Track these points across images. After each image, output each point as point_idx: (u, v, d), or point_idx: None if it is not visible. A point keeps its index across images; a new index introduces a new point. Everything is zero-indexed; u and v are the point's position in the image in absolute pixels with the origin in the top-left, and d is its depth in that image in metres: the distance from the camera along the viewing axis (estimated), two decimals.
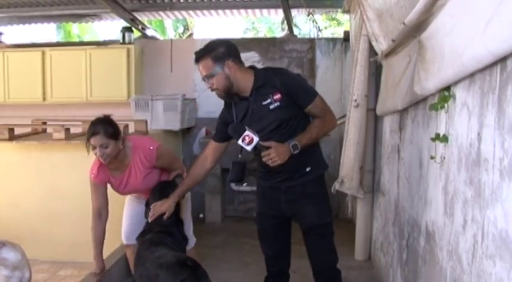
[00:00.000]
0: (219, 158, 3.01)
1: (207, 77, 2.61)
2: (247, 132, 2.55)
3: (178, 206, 3.21)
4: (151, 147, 3.29)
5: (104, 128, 3.06)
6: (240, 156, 2.91)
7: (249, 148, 2.55)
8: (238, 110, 2.75)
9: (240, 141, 2.56)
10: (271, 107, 2.61)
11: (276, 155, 2.49)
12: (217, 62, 2.62)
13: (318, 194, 2.86)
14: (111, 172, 3.31)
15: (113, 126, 3.14)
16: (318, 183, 2.88)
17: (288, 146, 2.51)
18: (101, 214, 3.35)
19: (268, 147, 2.51)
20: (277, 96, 2.63)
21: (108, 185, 3.41)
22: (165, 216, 2.98)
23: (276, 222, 2.91)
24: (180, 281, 2.40)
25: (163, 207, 2.99)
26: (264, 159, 2.53)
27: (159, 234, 2.95)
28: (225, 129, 2.86)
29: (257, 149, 2.57)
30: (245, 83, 2.67)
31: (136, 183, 3.30)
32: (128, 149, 3.27)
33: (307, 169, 2.80)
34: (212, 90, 2.67)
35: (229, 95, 2.68)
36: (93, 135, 3.05)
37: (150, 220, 3.00)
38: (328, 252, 2.90)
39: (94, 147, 3.08)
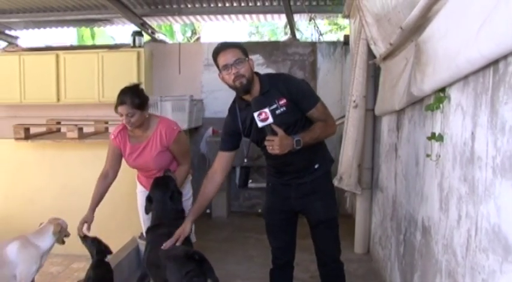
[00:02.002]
0: (229, 168, 2.92)
1: (237, 62, 2.55)
2: (266, 110, 2.52)
3: (180, 196, 3.20)
4: (175, 128, 3.34)
5: (131, 99, 3.10)
6: (245, 160, 2.90)
7: (260, 124, 2.50)
8: (243, 115, 2.73)
9: (256, 115, 2.50)
10: (277, 112, 2.58)
11: (278, 144, 2.45)
12: (244, 54, 2.61)
13: (326, 189, 2.86)
14: (130, 139, 3.34)
15: (140, 97, 3.18)
16: (325, 179, 2.88)
17: (292, 140, 2.49)
18: (108, 175, 3.43)
19: (275, 133, 2.49)
20: (283, 101, 2.60)
21: None
22: (179, 241, 2.74)
23: (284, 217, 2.91)
24: (186, 273, 2.40)
25: (185, 231, 2.79)
26: (266, 143, 2.50)
27: (173, 228, 2.94)
28: (231, 138, 2.84)
29: (265, 130, 2.53)
30: (254, 85, 2.65)
31: (148, 157, 3.30)
32: (153, 123, 3.32)
33: (316, 166, 2.80)
34: (237, 77, 2.55)
35: (249, 86, 2.60)
36: (121, 104, 3.12)
37: (165, 247, 2.72)
38: (333, 245, 2.91)
39: (121, 115, 3.14)
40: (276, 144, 2.46)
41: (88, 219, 3.32)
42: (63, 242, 3.38)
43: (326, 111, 2.75)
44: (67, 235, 3.39)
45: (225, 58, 2.57)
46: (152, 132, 3.29)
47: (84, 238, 3.29)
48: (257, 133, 2.64)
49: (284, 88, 2.64)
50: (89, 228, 3.32)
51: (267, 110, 2.50)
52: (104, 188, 3.43)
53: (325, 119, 2.71)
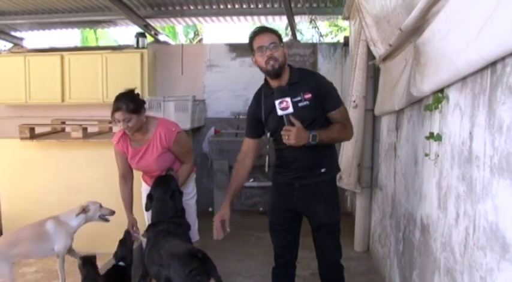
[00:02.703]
0: (258, 154, 2.96)
1: (272, 46, 2.58)
2: (287, 99, 2.53)
3: (181, 195, 3.22)
4: (173, 129, 3.32)
5: (126, 104, 3.08)
6: (267, 146, 2.91)
7: (279, 112, 2.51)
8: (267, 103, 2.73)
9: (277, 102, 2.52)
10: (300, 104, 2.60)
11: (294, 134, 2.47)
12: (280, 40, 2.64)
13: (330, 194, 2.84)
14: (131, 142, 3.34)
15: (135, 102, 3.15)
16: (330, 184, 2.87)
17: (309, 134, 2.50)
18: (126, 178, 3.47)
19: (293, 124, 2.50)
20: (308, 95, 2.62)
21: None
22: (227, 225, 2.79)
23: (287, 216, 2.90)
24: (189, 271, 2.41)
25: (227, 213, 2.81)
26: (282, 132, 2.52)
27: (172, 224, 2.96)
28: (255, 125, 2.86)
29: (283, 119, 2.54)
30: (284, 73, 2.67)
31: (150, 159, 3.30)
32: (152, 126, 3.30)
33: (322, 170, 2.78)
34: (269, 58, 2.57)
35: (280, 70, 2.63)
36: (116, 110, 3.10)
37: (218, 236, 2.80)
38: (334, 249, 2.89)
39: (118, 121, 3.13)
40: (292, 134, 2.48)
41: (134, 222, 3.49)
42: (106, 220, 3.79)
43: (347, 116, 2.78)
44: (104, 214, 3.77)
45: (262, 40, 2.61)
46: (152, 135, 3.28)
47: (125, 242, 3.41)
48: (275, 122, 2.66)
49: (313, 83, 2.67)
50: (138, 229, 3.49)
51: (288, 99, 2.51)
52: (129, 190, 3.49)
53: (344, 123, 2.73)
